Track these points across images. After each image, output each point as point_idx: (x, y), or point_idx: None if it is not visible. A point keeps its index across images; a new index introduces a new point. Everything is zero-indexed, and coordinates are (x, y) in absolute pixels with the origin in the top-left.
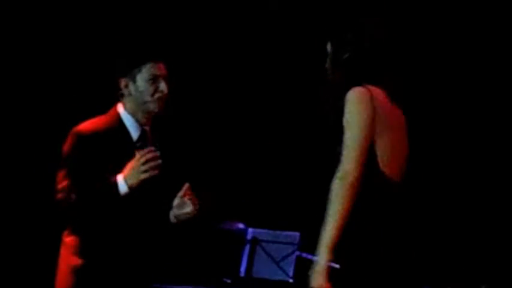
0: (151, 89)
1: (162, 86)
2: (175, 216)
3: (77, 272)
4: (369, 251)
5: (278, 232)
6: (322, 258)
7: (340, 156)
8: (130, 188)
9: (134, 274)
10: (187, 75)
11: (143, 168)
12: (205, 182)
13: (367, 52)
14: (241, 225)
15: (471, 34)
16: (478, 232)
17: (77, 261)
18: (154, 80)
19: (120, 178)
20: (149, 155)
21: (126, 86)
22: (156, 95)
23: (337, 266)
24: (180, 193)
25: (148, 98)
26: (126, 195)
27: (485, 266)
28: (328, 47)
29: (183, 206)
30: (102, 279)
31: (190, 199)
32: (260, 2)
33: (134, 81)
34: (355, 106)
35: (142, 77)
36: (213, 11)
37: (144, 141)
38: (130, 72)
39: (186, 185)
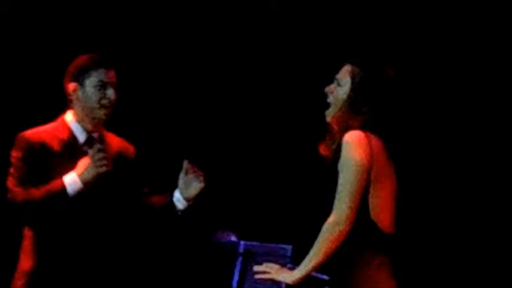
0: (98, 95)
1: (110, 93)
2: (186, 198)
3: (28, 275)
4: None
5: (271, 245)
6: (295, 277)
7: (335, 198)
8: (85, 184)
9: (86, 278)
10: (186, 78)
11: (99, 163)
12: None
13: (385, 108)
14: (233, 238)
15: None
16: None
17: (28, 264)
18: (102, 86)
19: (70, 176)
20: (102, 154)
21: (75, 91)
22: (103, 102)
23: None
24: (182, 173)
25: (95, 105)
26: (80, 193)
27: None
28: (350, 73)
29: (189, 183)
30: (55, 283)
31: (195, 174)
32: (260, 6)
33: (83, 85)
34: (354, 150)
35: (90, 83)
36: (213, 15)
37: (90, 146)
38: (79, 77)
39: (186, 162)
